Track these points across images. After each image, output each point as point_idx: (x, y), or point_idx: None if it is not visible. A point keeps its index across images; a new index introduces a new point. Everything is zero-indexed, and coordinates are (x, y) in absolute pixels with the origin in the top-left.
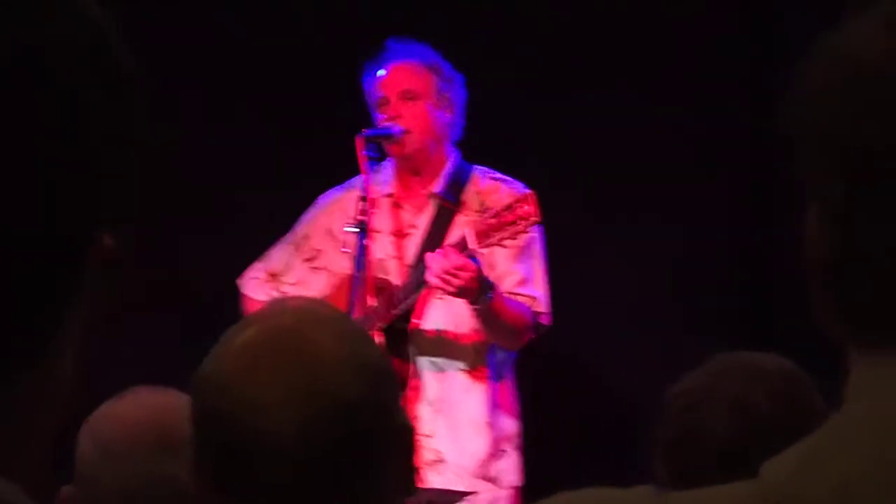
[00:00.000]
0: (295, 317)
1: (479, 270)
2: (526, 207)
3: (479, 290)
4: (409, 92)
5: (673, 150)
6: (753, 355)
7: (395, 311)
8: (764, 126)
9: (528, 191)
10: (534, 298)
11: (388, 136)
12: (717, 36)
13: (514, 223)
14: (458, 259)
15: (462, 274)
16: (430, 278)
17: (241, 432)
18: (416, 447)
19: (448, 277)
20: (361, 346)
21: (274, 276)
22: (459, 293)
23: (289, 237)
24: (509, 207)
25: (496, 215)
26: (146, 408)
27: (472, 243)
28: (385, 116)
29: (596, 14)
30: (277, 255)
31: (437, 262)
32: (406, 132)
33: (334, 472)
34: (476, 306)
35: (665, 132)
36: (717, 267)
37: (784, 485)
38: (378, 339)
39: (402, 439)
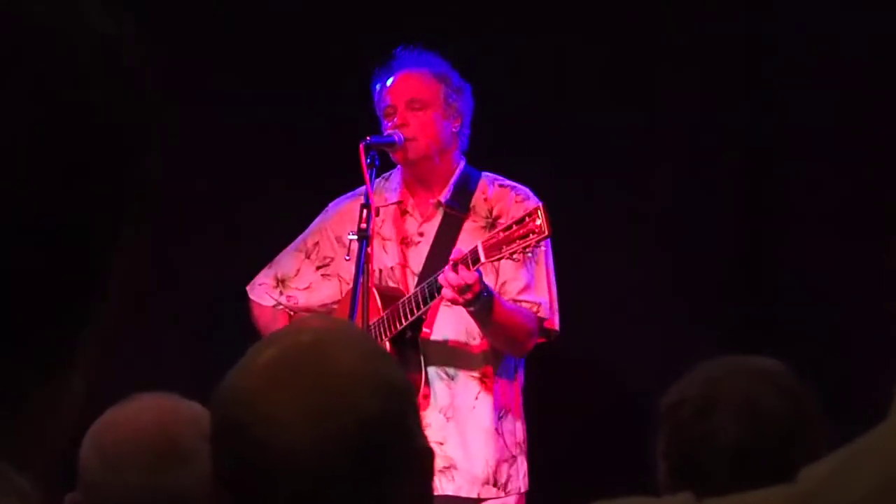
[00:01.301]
0: (317, 335)
1: (481, 280)
2: (538, 221)
3: (479, 297)
4: (416, 101)
5: (672, 147)
6: (747, 358)
7: (405, 321)
8: (763, 121)
9: (537, 203)
10: (538, 304)
11: (390, 143)
12: (712, 23)
13: (525, 237)
14: (469, 276)
15: (474, 288)
16: (447, 294)
17: (258, 447)
18: (433, 470)
19: (462, 295)
20: (383, 365)
21: (282, 282)
22: (465, 304)
23: (298, 244)
24: (520, 221)
25: (507, 229)
26: (149, 414)
27: (483, 257)
28: (391, 124)
29: (594, 14)
30: (286, 261)
31: (453, 280)
32: (411, 140)
33: (351, 490)
34: (471, 308)
35: (662, 132)
36: (719, 269)
37: (818, 489)
38: (387, 348)
39: (421, 461)
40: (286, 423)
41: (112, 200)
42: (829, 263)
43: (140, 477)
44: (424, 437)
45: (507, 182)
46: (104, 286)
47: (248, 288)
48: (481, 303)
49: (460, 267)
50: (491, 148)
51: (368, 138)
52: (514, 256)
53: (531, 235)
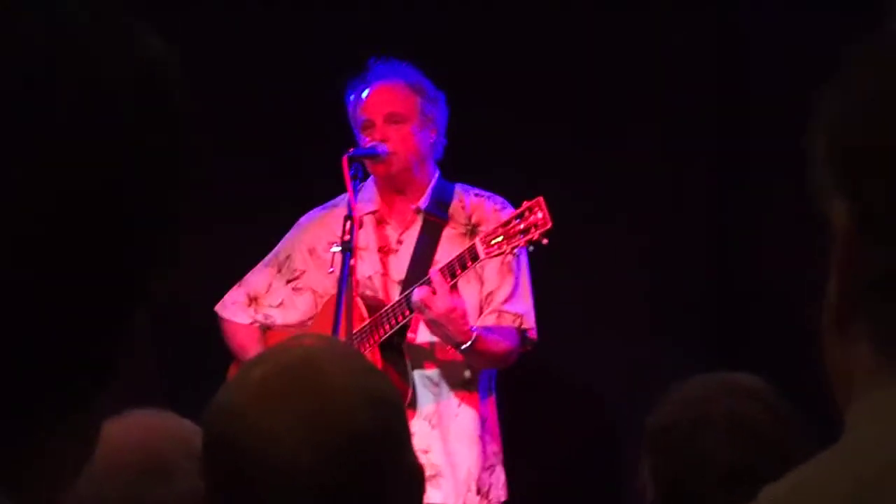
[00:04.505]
0: (309, 352)
1: (465, 314)
2: (539, 214)
3: (459, 338)
4: (394, 115)
5: (642, 161)
6: (729, 376)
7: (389, 329)
8: (733, 137)
9: (537, 198)
10: (521, 316)
11: (373, 155)
12: (684, 39)
13: (526, 231)
14: (450, 301)
15: (454, 317)
16: (426, 317)
17: (252, 460)
18: (424, 487)
19: (443, 321)
20: (375, 381)
21: (255, 300)
22: (444, 337)
23: (269, 260)
24: (521, 216)
25: (505, 224)
26: (135, 431)
27: (482, 254)
28: (370, 139)
29: (563, 22)
30: (258, 278)
31: (440, 303)
32: (392, 154)
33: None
34: (459, 350)
35: (633, 145)
36: (692, 281)
37: None
38: (374, 355)
39: (412, 477)
40: (280, 436)
41: (150, 242)
42: (802, 276)
43: (121, 493)
44: (415, 454)
45: (483, 192)
46: (134, 325)
47: (217, 308)
48: (466, 350)
49: (435, 282)
50: (464, 162)
51: (351, 151)
52: (516, 251)
53: (533, 229)
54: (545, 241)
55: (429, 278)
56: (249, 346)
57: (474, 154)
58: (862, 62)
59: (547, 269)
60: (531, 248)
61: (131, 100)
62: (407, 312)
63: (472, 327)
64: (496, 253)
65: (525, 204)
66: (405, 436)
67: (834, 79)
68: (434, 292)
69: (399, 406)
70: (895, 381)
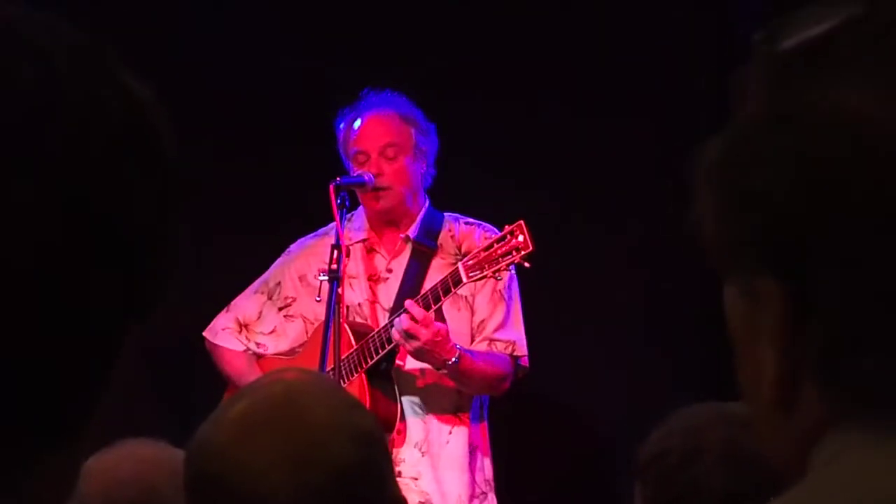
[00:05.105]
0: (289, 386)
1: (448, 335)
2: (521, 237)
3: (443, 357)
4: (389, 147)
5: (642, 162)
6: (724, 405)
7: (376, 356)
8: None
9: (518, 222)
10: (513, 343)
11: (361, 183)
12: (684, 39)
13: (508, 254)
14: (434, 326)
15: (439, 341)
16: (412, 346)
17: (235, 497)
18: None
19: (429, 347)
20: (357, 415)
21: (246, 326)
22: (428, 360)
23: (259, 286)
24: (502, 239)
25: (487, 248)
26: (129, 463)
27: (464, 277)
28: (364, 171)
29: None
30: (247, 305)
31: (424, 331)
32: (386, 189)
33: None
34: (443, 370)
35: (632, 146)
36: (688, 304)
37: None
38: (362, 381)
39: None
40: (262, 472)
41: (135, 287)
42: None
43: None
44: (397, 486)
45: (472, 220)
46: (113, 365)
47: (206, 333)
48: (450, 368)
49: (413, 312)
50: (460, 165)
51: (338, 179)
52: (497, 275)
53: (514, 252)
54: (527, 264)
55: (405, 308)
56: (247, 372)
57: (470, 158)
58: (793, 124)
59: (546, 274)
60: (512, 271)
61: (120, 132)
62: (386, 346)
63: (455, 345)
64: (478, 277)
65: (507, 228)
66: (388, 469)
67: (751, 139)
68: (416, 321)
69: (381, 440)
70: (864, 433)
